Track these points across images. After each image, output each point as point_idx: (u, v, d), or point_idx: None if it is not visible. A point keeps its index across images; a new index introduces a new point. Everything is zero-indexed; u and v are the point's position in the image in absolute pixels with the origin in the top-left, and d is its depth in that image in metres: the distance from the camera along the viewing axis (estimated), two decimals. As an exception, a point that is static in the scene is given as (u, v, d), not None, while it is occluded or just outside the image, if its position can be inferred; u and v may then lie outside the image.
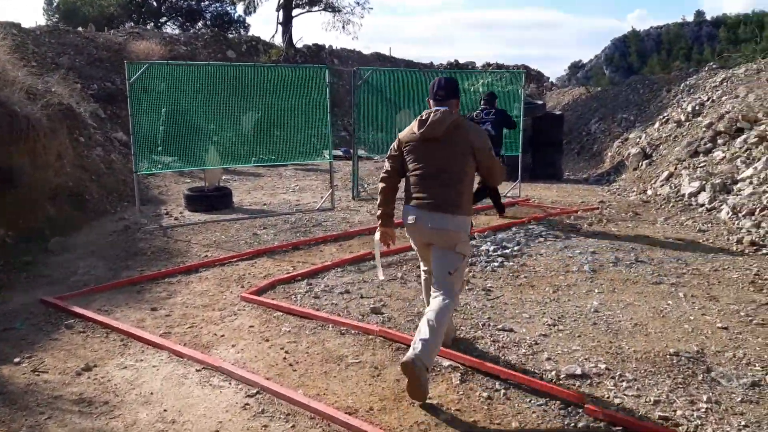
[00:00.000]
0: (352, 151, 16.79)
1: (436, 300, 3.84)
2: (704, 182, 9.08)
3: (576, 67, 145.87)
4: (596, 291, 5.65)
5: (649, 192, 10.17)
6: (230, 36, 22.70)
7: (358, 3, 28.37)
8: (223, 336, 4.71)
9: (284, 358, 4.26)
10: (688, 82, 13.48)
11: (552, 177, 12.81)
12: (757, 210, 7.79)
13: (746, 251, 6.85)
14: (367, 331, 4.62)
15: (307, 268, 6.30)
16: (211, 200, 9.71)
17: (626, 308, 5.19)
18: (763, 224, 7.43)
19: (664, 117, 12.32)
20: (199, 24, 31.49)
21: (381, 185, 4.20)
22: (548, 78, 25.43)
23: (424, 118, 3.91)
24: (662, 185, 10.03)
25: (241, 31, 29.56)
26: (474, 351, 4.31)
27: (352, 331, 4.67)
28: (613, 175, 12.08)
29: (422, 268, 4.38)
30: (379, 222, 4.29)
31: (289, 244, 7.29)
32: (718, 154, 9.76)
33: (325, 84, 9.42)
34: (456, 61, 26.24)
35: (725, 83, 11.59)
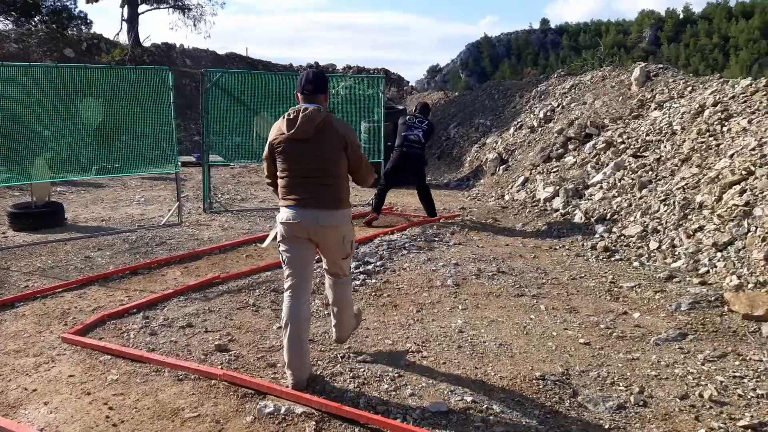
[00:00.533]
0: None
1: (336, 286, 4.29)
2: (558, 187, 9.26)
3: (434, 71, 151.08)
4: (460, 307, 5.42)
5: (507, 197, 10.28)
6: (69, 33, 20.75)
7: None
8: (35, 391, 3.92)
9: (107, 417, 3.57)
10: (539, 89, 13.93)
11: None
12: (608, 215, 8.00)
13: (600, 257, 6.96)
14: (209, 376, 4.01)
15: (145, 297, 5.55)
16: (38, 218, 8.55)
17: (490, 326, 4.97)
18: (614, 229, 7.62)
19: (518, 123, 12.60)
20: (36, 19, 28.65)
21: (269, 185, 4.25)
22: (408, 82, 25.66)
23: (292, 116, 3.79)
24: (519, 190, 10.16)
25: (83, 28, 27.22)
26: (332, 391, 3.85)
27: (192, 376, 4.05)
28: (473, 180, 12.16)
29: (289, 275, 4.02)
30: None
31: (126, 269, 6.46)
32: (569, 159, 10.03)
33: (169, 87, 8.60)
34: (316, 63, 25.80)
35: (573, 90, 12.04)
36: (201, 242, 7.74)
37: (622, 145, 9.43)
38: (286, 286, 4.01)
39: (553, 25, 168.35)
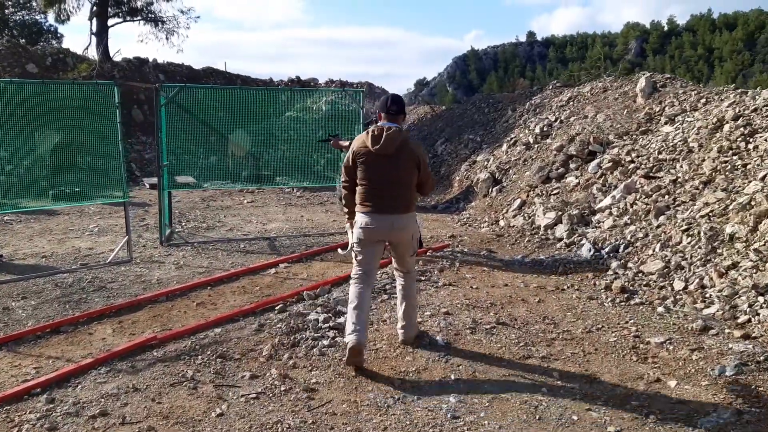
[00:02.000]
0: (172, 179, 14.71)
1: (406, 282, 4.88)
2: (560, 213, 8.21)
3: (421, 84, 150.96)
4: (453, 377, 4.32)
5: (502, 223, 9.21)
6: (33, 48, 19.56)
7: (182, 12, 25.83)
8: None
9: None
10: (533, 101, 12.91)
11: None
12: (621, 246, 6.94)
13: (617, 300, 5.88)
14: None
15: (56, 370, 4.40)
16: (-37, 256, 7.39)
17: (492, 406, 3.88)
18: (629, 264, 6.55)
19: (511, 138, 11.56)
20: (4, 35, 27.48)
21: (344, 192, 4.77)
22: (393, 95, 24.67)
23: (377, 134, 4.46)
24: (515, 215, 9.10)
25: (53, 42, 26.07)
26: None
27: None
28: (463, 203, 11.09)
29: (359, 268, 4.63)
30: (348, 218, 4.81)
31: (46, 327, 5.29)
32: (571, 179, 8.99)
33: (115, 104, 7.48)
34: (297, 77, 24.75)
35: (572, 102, 11.03)
36: (148, 286, 6.59)
37: (632, 165, 8.40)
38: (354, 276, 4.64)
39: (539, 38, 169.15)
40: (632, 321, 5.36)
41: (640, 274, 6.31)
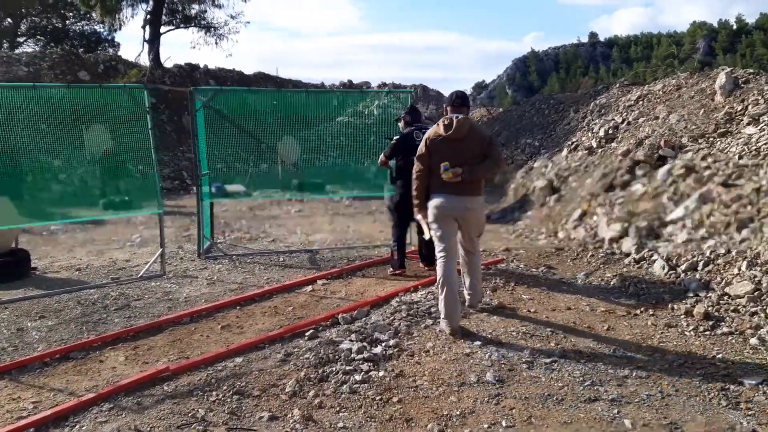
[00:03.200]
0: (223, 188, 14.41)
1: (471, 261, 5.43)
2: (626, 224, 7.38)
3: (480, 87, 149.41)
4: (504, 424, 3.63)
5: (561, 235, 8.41)
6: (86, 55, 19.77)
7: (232, 17, 25.73)
8: None
9: None
10: (598, 101, 11.99)
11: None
12: (700, 264, 6.09)
13: (701, 328, 5.06)
14: None
15: (54, 406, 3.94)
16: (-5, 270, 7.12)
17: (552, 470, 3.18)
18: (712, 285, 5.70)
19: (573, 143, 10.72)
20: (65, 44, 28.13)
21: (417, 183, 5.12)
22: (448, 99, 23.97)
23: (447, 123, 5.01)
24: (575, 226, 8.30)
25: (110, 50, 26.50)
26: None
27: None
28: (518, 212, 10.31)
29: (442, 246, 5.04)
30: (418, 211, 5.20)
31: (56, 352, 4.86)
32: (637, 188, 8.13)
33: (146, 109, 7.08)
34: (349, 81, 24.35)
35: (642, 102, 10.11)
36: (174, 304, 6.13)
37: (708, 171, 7.49)
38: (439, 253, 5.03)
39: (602, 38, 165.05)
40: (720, 355, 4.55)
41: (725, 297, 5.46)
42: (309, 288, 6.53)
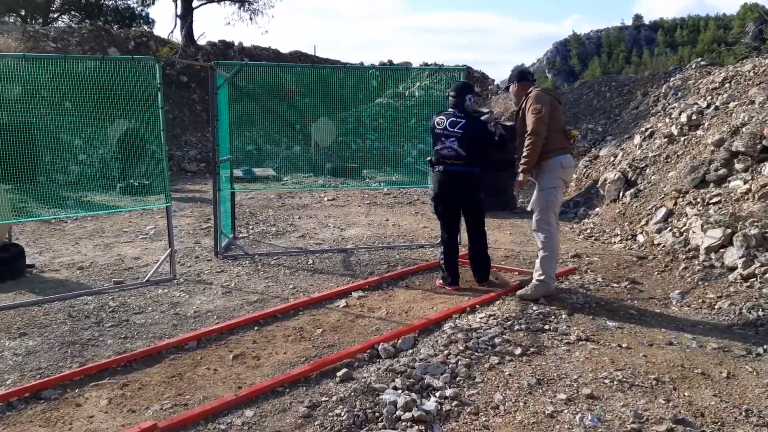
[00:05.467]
0: (251, 171, 13.39)
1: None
2: (728, 230, 6.08)
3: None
4: None
5: (641, 238, 7.14)
6: (116, 31, 18.89)
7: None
8: None
9: None
10: (671, 83, 10.54)
11: (502, 207, 9.71)
12: (839, 288, 4.77)
13: None
14: None
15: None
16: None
17: None
18: None
19: (646, 129, 9.34)
20: (99, 20, 27.43)
21: (536, 146, 5.18)
22: (493, 80, 22.51)
23: (545, 88, 5.90)
24: (659, 229, 7.01)
25: (144, 27, 25.65)
26: None
27: None
28: (583, 207, 9.03)
29: (554, 213, 5.38)
30: (526, 172, 5.29)
31: (24, 390, 3.81)
32: (737, 184, 6.80)
33: (157, 85, 6.00)
34: (390, 60, 23.07)
35: (729, 84, 8.68)
36: (181, 321, 5.08)
37: (830, 166, 6.12)
38: (549, 224, 5.31)
39: (646, 21, 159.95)
40: None
41: None
42: (342, 302, 5.42)
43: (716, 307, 5.15)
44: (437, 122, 5.60)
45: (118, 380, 3.99)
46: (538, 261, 5.33)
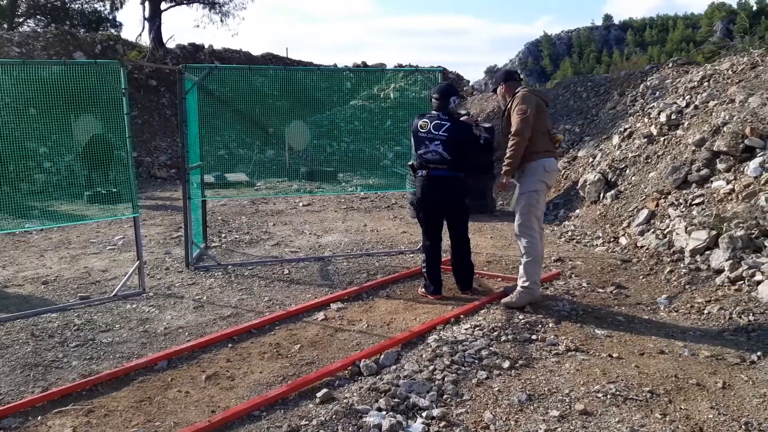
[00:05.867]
0: (223, 176, 13.07)
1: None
2: (713, 232, 5.97)
3: (492, 71, 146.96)
4: None
5: (624, 241, 7.02)
6: (82, 35, 18.38)
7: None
8: None
9: None
10: (648, 84, 10.48)
11: (482, 210, 9.55)
12: (829, 291, 4.68)
13: None
14: None
15: None
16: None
17: None
18: None
19: (625, 130, 9.27)
20: (65, 24, 26.79)
21: (520, 148, 5.01)
22: (468, 81, 22.40)
23: (533, 89, 6.00)
24: (642, 231, 6.90)
25: (112, 31, 25.07)
26: None
27: None
28: (563, 209, 8.91)
29: (536, 217, 5.22)
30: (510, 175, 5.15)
31: (-25, 422, 3.56)
32: (720, 184, 6.72)
33: (121, 90, 5.71)
34: (363, 62, 22.86)
35: (708, 83, 8.63)
36: (150, 339, 4.81)
37: (813, 165, 6.06)
38: (530, 227, 5.15)
39: (616, 21, 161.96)
40: None
41: None
42: (321, 315, 5.19)
43: (705, 312, 5.03)
44: (420, 125, 5.40)
45: (84, 406, 3.72)
46: (521, 267, 5.16)
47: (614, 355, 4.23)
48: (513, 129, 4.98)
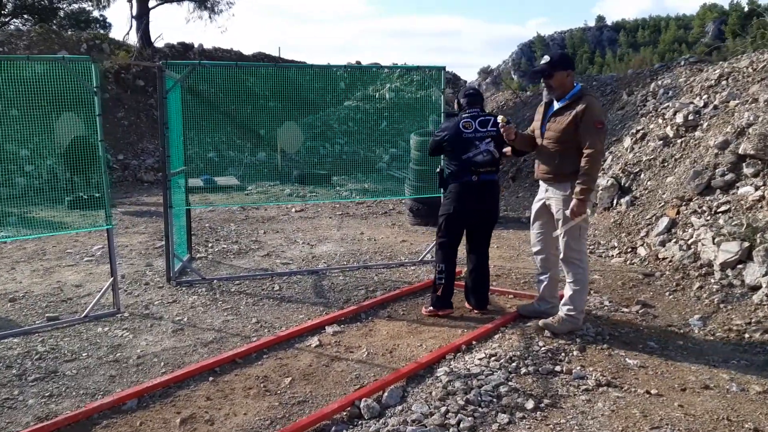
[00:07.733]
0: (212, 180, 12.49)
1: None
2: (745, 242, 5.44)
3: (486, 72, 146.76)
4: None
5: (642, 251, 6.48)
6: (67, 34, 17.75)
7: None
8: None
9: None
10: (660, 82, 9.95)
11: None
12: None
13: None
14: None
15: None
16: None
17: None
18: None
19: (637, 131, 8.73)
20: (53, 24, 26.11)
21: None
22: (465, 81, 21.86)
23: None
24: (663, 241, 6.37)
25: (100, 31, 24.41)
26: None
27: None
28: (573, 216, 8.35)
29: (585, 245, 4.71)
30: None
31: None
32: (747, 190, 6.19)
33: (93, 88, 5.13)
34: (358, 62, 22.30)
35: (726, 82, 8.10)
36: (120, 370, 4.22)
37: None
38: (583, 254, 4.54)
39: (609, 22, 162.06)
40: None
41: None
42: (314, 340, 4.61)
43: (746, 336, 4.49)
44: (463, 125, 4.83)
45: (33, 460, 3.15)
46: (567, 295, 4.52)
47: (653, 392, 3.67)
48: (590, 142, 4.23)
